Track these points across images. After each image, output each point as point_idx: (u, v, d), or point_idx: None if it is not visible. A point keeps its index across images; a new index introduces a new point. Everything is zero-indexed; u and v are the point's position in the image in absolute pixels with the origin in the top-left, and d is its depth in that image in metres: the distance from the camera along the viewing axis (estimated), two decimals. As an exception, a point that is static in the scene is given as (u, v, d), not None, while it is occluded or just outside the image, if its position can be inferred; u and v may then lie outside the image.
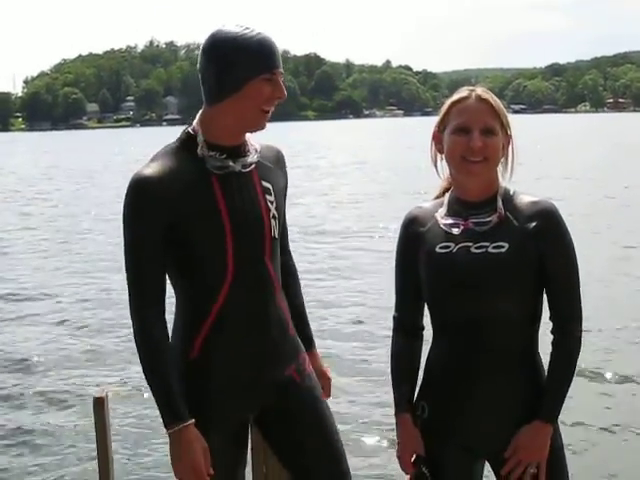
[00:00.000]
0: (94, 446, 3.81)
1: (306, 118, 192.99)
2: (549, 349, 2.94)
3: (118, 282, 13.45)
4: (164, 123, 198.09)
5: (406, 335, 3.14)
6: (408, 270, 3.10)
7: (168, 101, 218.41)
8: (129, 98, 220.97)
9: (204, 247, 2.91)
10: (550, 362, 2.95)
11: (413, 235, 3.08)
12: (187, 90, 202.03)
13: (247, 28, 2.92)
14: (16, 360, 10.59)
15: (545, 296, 2.98)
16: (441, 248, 2.98)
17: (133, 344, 2.90)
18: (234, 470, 3.13)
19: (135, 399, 8.87)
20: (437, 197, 3.16)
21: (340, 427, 3.31)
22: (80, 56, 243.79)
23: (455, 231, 2.98)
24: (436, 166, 3.12)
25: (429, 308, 3.09)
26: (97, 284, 15.13)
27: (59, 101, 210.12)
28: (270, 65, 2.92)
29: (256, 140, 3.12)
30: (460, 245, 2.96)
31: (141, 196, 2.85)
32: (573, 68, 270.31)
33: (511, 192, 3.03)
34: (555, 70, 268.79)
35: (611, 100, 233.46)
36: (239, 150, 3.02)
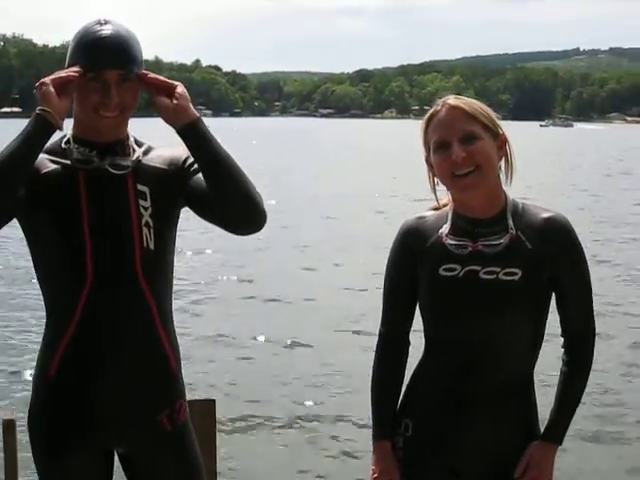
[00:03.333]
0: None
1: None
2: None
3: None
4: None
5: (393, 353, 2.96)
6: (402, 285, 2.92)
7: None
8: None
9: (60, 246, 2.77)
10: (562, 380, 2.85)
11: (412, 249, 2.88)
12: None
13: (99, 23, 2.73)
14: None
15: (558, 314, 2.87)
16: (445, 270, 2.80)
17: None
18: None
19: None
20: (437, 208, 2.95)
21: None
22: None
23: (462, 252, 2.79)
24: (435, 192, 2.92)
25: (426, 324, 2.90)
26: None
27: None
28: (94, 64, 2.71)
29: (161, 141, 2.98)
30: (467, 268, 2.78)
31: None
32: (380, 74, 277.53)
33: (520, 206, 2.85)
34: (362, 76, 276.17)
35: (417, 107, 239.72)
36: (114, 149, 2.83)
